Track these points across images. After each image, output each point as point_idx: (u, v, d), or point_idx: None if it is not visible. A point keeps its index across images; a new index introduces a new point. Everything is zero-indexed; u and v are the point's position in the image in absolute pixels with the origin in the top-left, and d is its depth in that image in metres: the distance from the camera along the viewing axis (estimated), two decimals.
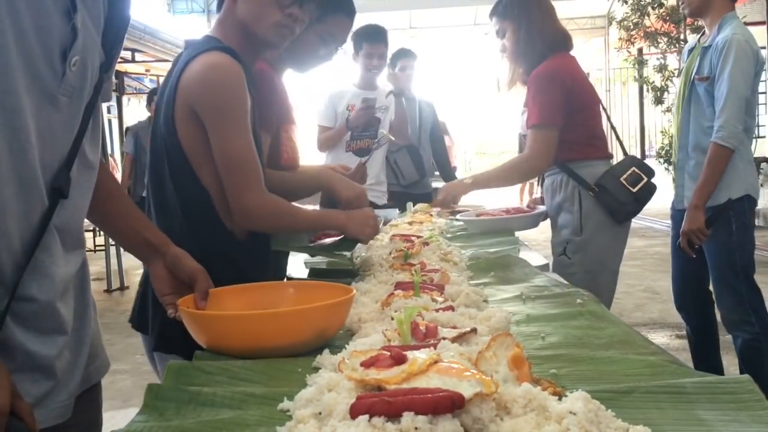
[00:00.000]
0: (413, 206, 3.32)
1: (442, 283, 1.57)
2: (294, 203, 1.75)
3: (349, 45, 3.76)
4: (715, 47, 2.76)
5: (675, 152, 3.06)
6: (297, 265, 2.25)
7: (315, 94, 4.06)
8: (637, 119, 14.92)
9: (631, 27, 11.05)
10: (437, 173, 4.87)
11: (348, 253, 1.88)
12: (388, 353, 0.90)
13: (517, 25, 2.60)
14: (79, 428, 1.09)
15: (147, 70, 11.48)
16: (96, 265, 7.63)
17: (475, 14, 13.75)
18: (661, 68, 11.02)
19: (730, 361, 3.21)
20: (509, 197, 4.56)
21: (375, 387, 0.83)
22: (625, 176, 2.55)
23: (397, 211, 3.53)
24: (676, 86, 10.55)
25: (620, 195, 2.53)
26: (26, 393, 0.95)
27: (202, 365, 1.06)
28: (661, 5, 10.56)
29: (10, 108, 0.88)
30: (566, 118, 2.55)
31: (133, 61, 10.50)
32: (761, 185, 9.31)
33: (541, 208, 2.82)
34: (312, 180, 2.07)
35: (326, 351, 1.10)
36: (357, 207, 1.86)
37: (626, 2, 10.84)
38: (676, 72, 10.57)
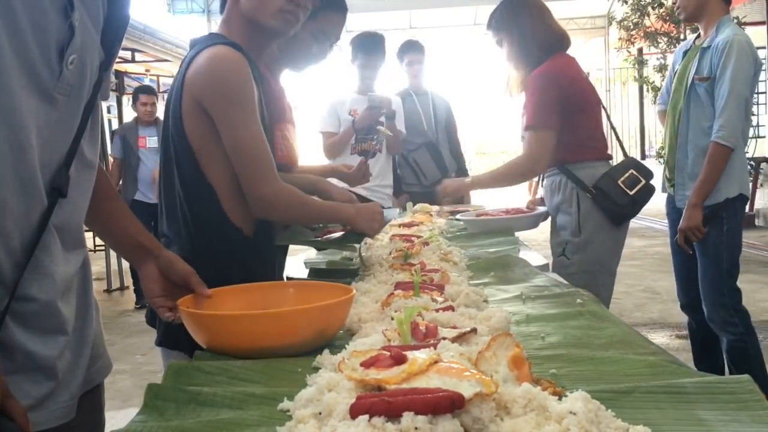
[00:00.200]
0: (413, 206, 3.32)
1: (442, 283, 1.57)
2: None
3: (347, 48, 3.76)
4: (715, 48, 2.77)
5: (668, 151, 3.07)
6: (297, 265, 2.25)
7: (316, 101, 4.04)
8: (637, 119, 14.93)
9: (631, 27, 11.06)
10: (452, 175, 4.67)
11: (357, 246, 1.89)
12: (388, 353, 0.90)
13: (509, 34, 2.66)
14: (81, 430, 1.09)
15: (147, 70, 11.48)
16: (96, 265, 7.63)
17: (475, 14, 13.75)
18: (661, 68, 11.01)
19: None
20: (511, 197, 4.47)
21: (375, 387, 0.83)
22: (622, 179, 2.56)
23: (398, 210, 3.53)
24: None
25: (618, 198, 2.54)
26: (27, 394, 0.94)
27: (202, 365, 1.06)
28: (661, 5, 10.56)
29: (7, 107, 0.87)
30: (564, 119, 2.55)
31: (133, 61, 10.51)
32: (761, 185, 9.36)
33: (541, 208, 2.82)
34: (307, 182, 2.07)
35: (326, 351, 1.10)
36: None
37: (626, 2, 10.85)
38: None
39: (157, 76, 12.16)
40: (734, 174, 2.79)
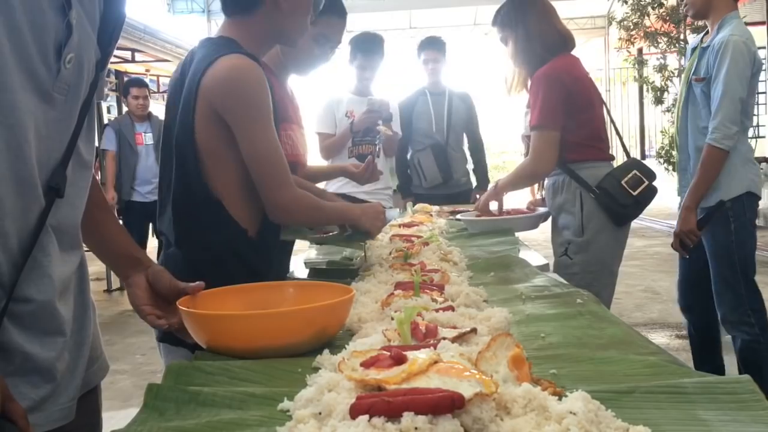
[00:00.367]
0: (413, 206, 3.32)
1: (442, 283, 1.57)
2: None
3: (345, 49, 3.75)
4: (712, 48, 2.76)
5: (676, 153, 3.06)
6: (297, 265, 2.25)
7: (311, 100, 3.98)
8: (637, 119, 14.93)
9: (631, 27, 11.06)
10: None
11: (363, 244, 1.97)
12: (388, 353, 0.90)
13: (514, 32, 2.65)
14: None
15: (147, 70, 11.49)
16: (96, 266, 7.62)
17: (475, 14, 13.75)
18: (661, 68, 11.02)
19: (730, 361, 3.21)
20: (511, 198, 4.42)
21: (375, 387, 0.83)
22: (626, 179, 2.56)
23: (397, 211, 3.53)
24: (676, 86, 10.54)
25: (621, 198, 2.54)
26: (25, 396, 0.93)
27: (202, 365, 1.06)
28: (661, 5, 10.56)
29: (5, 105, 0.87)
30: (567, 119, 2.55)
31: (133, 61, 10.51)
32: (762, 184, 9.36)
33: (542, 209, 2.82)
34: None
35: (326, 351, 1.10)
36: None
37: (626, 2, 10.85)
38: (676, 72, 10.58)
39: (157, 76, 12.16)
40: (735, 173, 2.77)
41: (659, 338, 4.50)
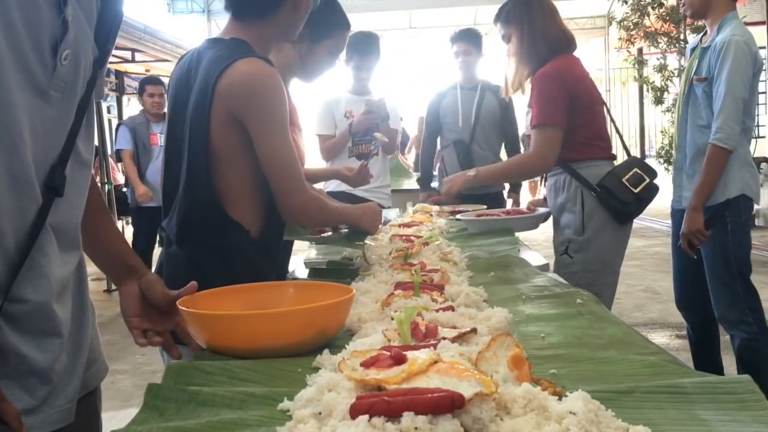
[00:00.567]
0: (413, 206, 3.32)
1: (442, 283, 1.57)
2: None
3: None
4: (713, 48, 2.76)
5: (675, 153, 3.06)
6: (297, 265, 2.26)
7: (309, 102, 3.94)
8: (637, 119, 14.92)
9: (631, 27, 11.05)
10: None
11: (363, 243, 2.00)
12: (388, 353, 0.90)
13: (519, 29, 2.64)
14: None
15: (147, 70, 11.48)
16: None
17: (475, 14, 13.74)
18: (661, 68, 11.01)
19: (730, 361, 3.20)
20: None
21: (375, 387, 0.83)
22: (627, 177, 2.56)
23: (397, 211, 3.53)
24: (676, 86, 10.52)
25: (622, 196, 2.54)
26: (20, 399, 0.92)
27: (202, 365, 1.06)
28: (661, 5, 10.55)
29: (0, 102, 0.86)
30: (569, 118, 2.55)
31: (133, 61, 10.50)
32: (761, 185, 9.36)
33: (542, 209, 2.82)
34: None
35: (326, 351, 1.10)
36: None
37: (626, 2, 10.85)
38: (676, 72, 10.57)
39: (157, 76, 12.15)
40: (734, 174, 2.78)
41: (659, 338, 4.50)
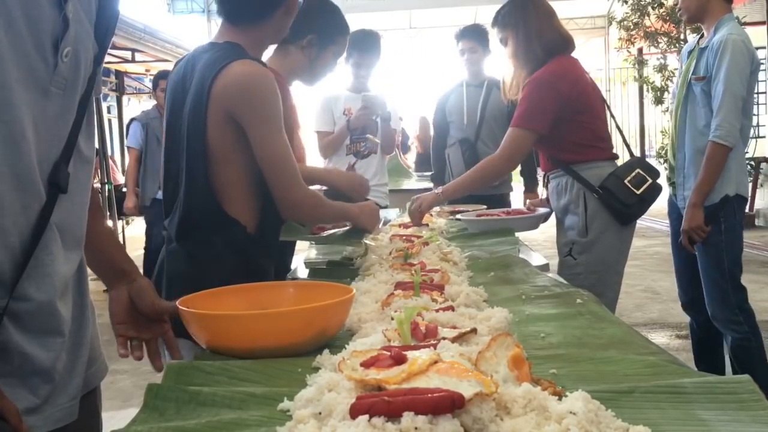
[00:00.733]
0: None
1: (442, 283, 1.57)
2: None
3: None
4: (711, 47, 2.77)
5: (672, 152, 3.07)
6: (297, 265, 2.26)
7: (308, 99, 3.91)
8: (637, 119, 14.91)
9: (631, 27, 11.04)
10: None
11: (360, 240, 2.04)
12: (388, 353, 0.90)
13: (514, 32, 2.64)
14: None
15: (147, 70, 11.48)
16: None
17: (475, 14, 13.72)
18: (661, 68, 11.01)
19: (729, 361, 3.21)
20: (515, 198, 4.31)
21: (375, 387, 0.83)
22: (629, 178, 2.55)
23: (397, 210, 3.52)
24: (676, 86, 10.46)
25: (625, 197, 2.53)
26: (24, 397, 0.93)
27: (202, 365, 1.06)
28: (661, 5, 10.55)
29: (1, 101, 0.86)
30: (563, 122, 2.54)
31: (133, 61, 10.50)
32: (761, 185, 9.36)
33: (542, 210, 2.82)
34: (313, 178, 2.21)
35: (326, 351, 1.10)
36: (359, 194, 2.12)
37: (626, 2, 10.84)
38: (676, 72, 10.57)
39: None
40: (730, 174, 2.79)
41: (659, 338, 4.50)
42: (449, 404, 0.73)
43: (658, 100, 11.00)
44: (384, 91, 3.87)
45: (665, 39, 10.74)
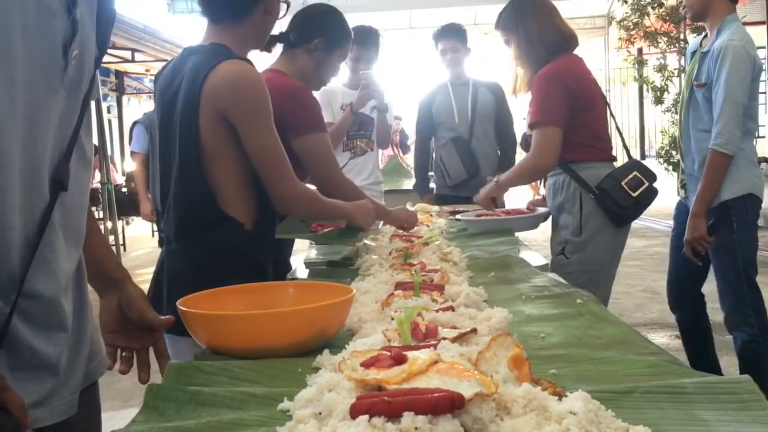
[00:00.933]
0: (413, 206, 3.31)
1: (442, 283, 1.57)
2: None
3: None
4: (711, 53, 2.76)
5: (681, 156, 3.06)
6: (297, 265, 2.26)
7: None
8: (637, 119, 14.92)
9: (631, 27, 11.05)
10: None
11: (354, 239, 2.06)
12: (389, 353, 0.90)
13: (516, 33, 2.66)
14: (81, 426, 1.09)
15: (147, 70, 11.50)
16: None
17: (475, 14, 13.73)
18: (661, 68, 11.01)
19: (730, 362, 3.21)
20: (516, 197, 4.26)
21: (375, 387, 0.83)
22: (626, 180, 2.56)
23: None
24: (676, 86, 10.49)
25: (621, 199, 2.55)
26: (32, 391, 0.95)
27: (202, 365, 1.06)
28: (661, 5, 10.55)
29: (19, 101, 0.88)
30: (568, 118, 2.56)
31: (133, 61, 10.52)
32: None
33: (542, 209, 2.82)
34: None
35: (326, 351, 1.10)
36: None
37: (626, 2, 10.84)
38: (676, 72, 10.56)
39: (157, 76, 12.12)
40: (740, 174, 2.76)
41: (659, 338, 4.50)
42: (449, 404, 0.73)
43: (658, 100, 11.00)
44: (383, 81, 3.81)
45: (665, 39, 10.74)
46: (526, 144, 2.86)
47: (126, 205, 7.59)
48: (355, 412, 0.76)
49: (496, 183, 2.84)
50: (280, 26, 2.12)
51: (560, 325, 1.33)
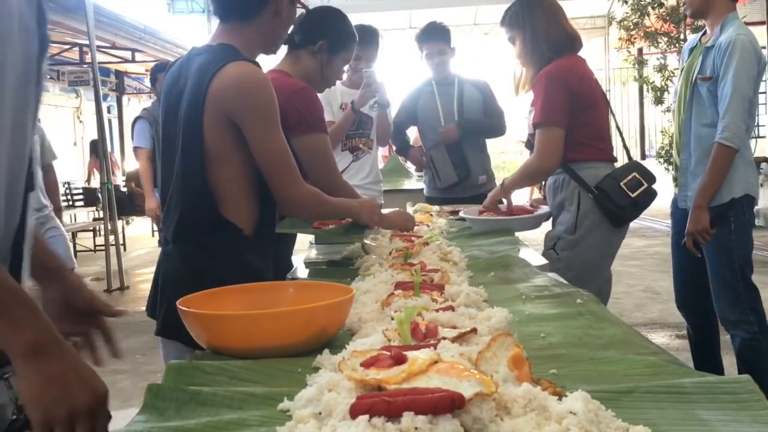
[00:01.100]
0: (413, 206, 3.31)
1: (442, 283, 1.57)
2: None
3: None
4: (718, 47, 2.76)
5: (676, 152, 3.06)
6: (297, 265, 2.26)
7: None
8: (637, 119, 14.92)
9: (631, 27, 11.04)
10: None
11: (361, 236, 2.07)
12: (388, 353, 0.90)
13: (522, 31, 2.67)
14: None
15: (147, 70, 11.47)
16: (96, 265, 7.60)
17: (475, 14, 13.73)
18: (661, 68, 11.00)
19: (730, 361, 3.20)
20: (516, 197, 4.23)
21: (375, 387, 0.83)
22: (625, 181, 2.57)
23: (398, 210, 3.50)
24: (676, 86, 10.43)
25: (619, 199, 2.56)
26: None
27: (202, 365, 1.06)
28: (661, 5, 10.55)
29: (6, 108, 0.90)
30: (570, 117, 2.57)
31: (133, 61, 10.52)
32: (761, 185, 9.35)
33: (544, 208, 2.83)
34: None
35: (326, 351, 1.10)
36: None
37: (626, 2, 10.84)
38: (676, 72, 10.55)
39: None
40: (739, 174, 2.77)
41: (659, 338, 4.50)
42: (449, 404, 0.73)
43: (658, 100, 10.99)
44: (383, 78, 3.77)
45: (665, 39, 10.73)
46: (530, 144, 2.86)
47: (126, 205, 7.60)
48: (355, 412, 0.76)
49: (502, 186, 2.84)
50: None
51: (560, 325, 1.33)
